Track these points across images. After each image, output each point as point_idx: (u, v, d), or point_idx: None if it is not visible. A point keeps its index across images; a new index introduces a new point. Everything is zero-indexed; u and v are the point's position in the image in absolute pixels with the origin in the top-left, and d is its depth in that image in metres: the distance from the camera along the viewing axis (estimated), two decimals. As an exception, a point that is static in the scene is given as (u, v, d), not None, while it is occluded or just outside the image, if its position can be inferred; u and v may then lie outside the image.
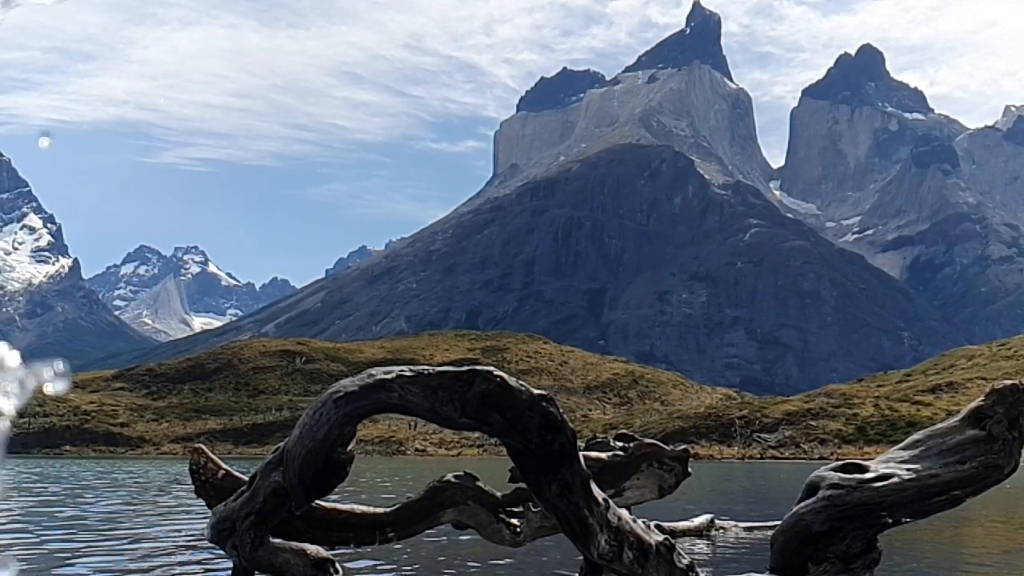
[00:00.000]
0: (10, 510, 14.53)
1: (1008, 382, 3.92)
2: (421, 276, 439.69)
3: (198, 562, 7.83)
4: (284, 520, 4.60)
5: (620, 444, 6.94)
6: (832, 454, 72.32)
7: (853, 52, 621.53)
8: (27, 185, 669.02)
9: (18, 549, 8.72)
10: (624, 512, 3.92)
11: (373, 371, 4.01)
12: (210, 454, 5.28)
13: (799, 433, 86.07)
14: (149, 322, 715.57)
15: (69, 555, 8.27)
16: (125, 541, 9.68)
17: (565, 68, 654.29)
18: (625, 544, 3.79)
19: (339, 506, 5.20)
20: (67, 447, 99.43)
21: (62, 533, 10.38)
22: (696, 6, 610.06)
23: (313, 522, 4.96)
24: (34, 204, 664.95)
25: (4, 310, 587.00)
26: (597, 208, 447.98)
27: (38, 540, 9.59)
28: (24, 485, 24.30)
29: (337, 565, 4.89)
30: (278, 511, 4.45)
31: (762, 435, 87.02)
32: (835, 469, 4.14)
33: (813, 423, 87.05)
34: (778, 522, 4.32)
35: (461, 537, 5.89)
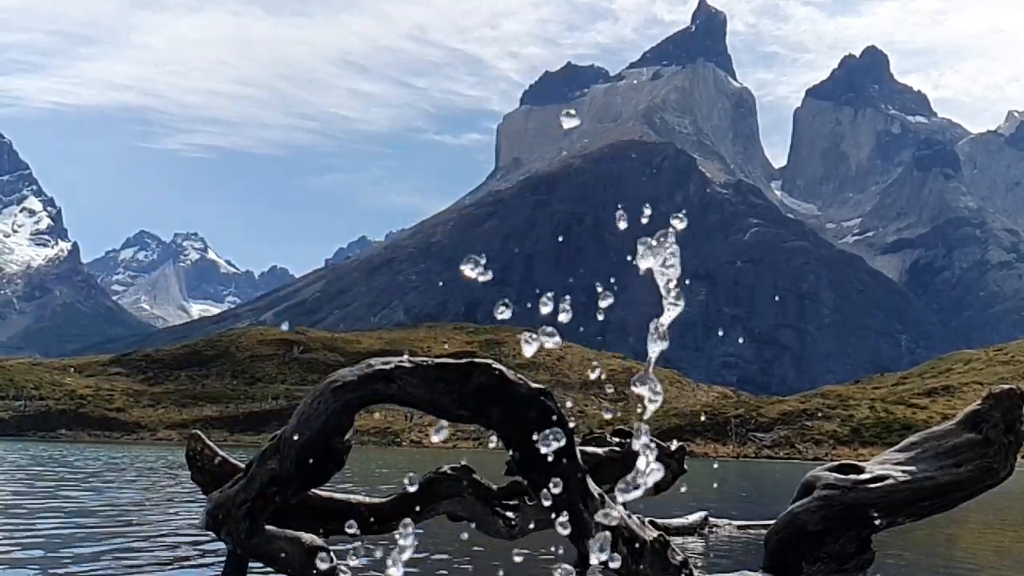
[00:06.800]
0: (5, 494, 14.55)
1: (1005, 387, 3.93)
2: (421, 268, 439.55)
3: (188, 553, 7.84)
4: (280, 508, 4.60)
5: (617, 440, 6.95)
6: (827, 455, 72.45)
7: (858, 54, 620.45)
8: (27, 168, 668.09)
9: (15, 535, 8.73)
10: (619, 508, 3.93)
11: (372, 361, 4.01)
12: (207, 441, 5.28)
13: (794, 433, 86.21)
14: (147, 307, 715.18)
15: (64, 541, 8.28)
16: (120, 526, 9.70)
17: (569, 63, 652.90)
18: (620, 540, 3.80)
19: (335, 495, 5.21)
20: (63, 431, 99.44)
21: (57, 518, 10.40)
22: (702, 4, 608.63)
23: (309, 510, 4.96)
24: (34, 187, 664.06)
25: (2, 292, 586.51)
26: (598, 204, 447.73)
27: (33, 525, 9.60)
28: (24, 468, 24.31)
29: (331, 554, 4.90)
30: (274, 499, 4.45)
31: (757, 434, 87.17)
32: (831, 469, 4.15)
33: (808, 424, 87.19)
34: (772, 521, 4.33)
35: (456, 529, 5.91)
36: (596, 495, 3.82)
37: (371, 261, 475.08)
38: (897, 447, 4.21)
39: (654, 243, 2.66)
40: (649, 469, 2.96)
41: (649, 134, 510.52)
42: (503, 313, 3.06)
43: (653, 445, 3.06)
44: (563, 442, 3.67)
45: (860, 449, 73.06)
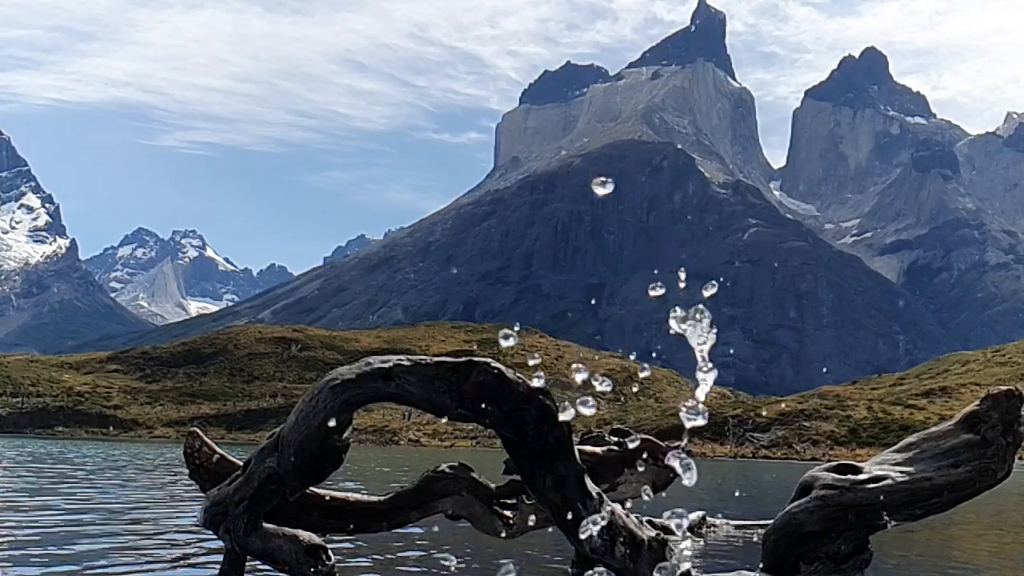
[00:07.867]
0: (4, 491, 14.54)
1: (1003, 388, 3.93)
2: (419, 267, 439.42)
3: (187, 551, 7.84)
4: (277, 506, 4.60)
5: (615, 439, 6.95)
6: (824, 455, 72.49)
7: (857, 54, 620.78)
8: (26, 164, 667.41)
9: (15, 533, 8.72)
10: (617, 507, 3.93)
11: (371, 359, 4.01)
12: (205, 438, 5.27)
13: (792, 433, 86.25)
14: (145, 305, 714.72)
15: (63, 539, 8.27)
16: (119, 524, 9.69)
17: (569, 62, 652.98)
18: (617, 539, 3.80)
19: (333, 493, 5.20)
20: (60, 428, 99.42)
21: (56, 516, 10.39)
22: (702, 4, 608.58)
23: (307, 508, 4.96)
24: (33, 183, 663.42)
25: (0, 289, 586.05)
26: (597, 203, 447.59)
27: (33, 522, 9.60)
28: (23, 464, 24.29)
29: (329, 552, 4.90)
30: (272, 497, 4.45)
31: (755, 434, 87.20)
32: (829, 469, 4.15)
33: (806, 424, 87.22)
34: (770, 521, 4.33)
35: (454, 527, 5.92)
36: (595, 494, 3.82)
37: (370, 259, 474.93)
38: (895, 447, 4.21)
39: (688, 316, 2.71)
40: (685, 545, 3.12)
41: (648, 134, 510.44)
42: (508, 340, 3.22)
43: (688, 529, 3.13)
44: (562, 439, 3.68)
45: (858, 449, 73.11)
